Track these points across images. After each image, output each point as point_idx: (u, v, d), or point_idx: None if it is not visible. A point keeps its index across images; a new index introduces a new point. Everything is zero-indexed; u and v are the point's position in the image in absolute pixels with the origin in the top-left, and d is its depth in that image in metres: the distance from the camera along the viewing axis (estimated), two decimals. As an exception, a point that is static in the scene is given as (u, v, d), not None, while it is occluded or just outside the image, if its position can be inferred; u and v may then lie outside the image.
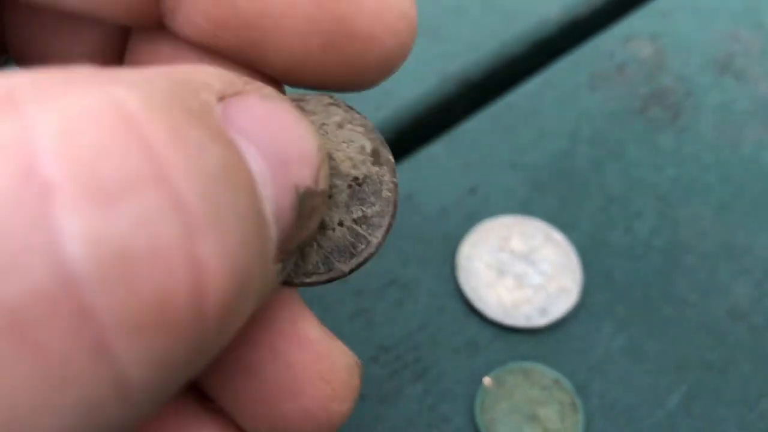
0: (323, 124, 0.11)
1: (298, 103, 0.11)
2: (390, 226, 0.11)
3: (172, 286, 0.07)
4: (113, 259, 0.06)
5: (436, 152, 0.24)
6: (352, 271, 0.11)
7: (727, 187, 0.24)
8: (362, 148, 0.11)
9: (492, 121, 0.25)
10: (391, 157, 0.11)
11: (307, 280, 0.11)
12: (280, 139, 0.09)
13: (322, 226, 0.10)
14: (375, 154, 0.11)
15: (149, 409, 0.07)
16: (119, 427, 0.07)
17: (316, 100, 0.11)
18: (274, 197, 0.08)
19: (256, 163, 0.08)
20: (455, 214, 0.22)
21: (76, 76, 0.07)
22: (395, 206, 0.11)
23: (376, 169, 0.11)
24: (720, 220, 0.23)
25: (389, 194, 0.11)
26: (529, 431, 0.19)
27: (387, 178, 0.11)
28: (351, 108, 0.11)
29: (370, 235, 0.11)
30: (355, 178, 0.11)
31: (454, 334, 0.20)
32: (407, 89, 0.25)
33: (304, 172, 0.09)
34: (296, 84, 0.11)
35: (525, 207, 0.23)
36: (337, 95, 0.11)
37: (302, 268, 0.11)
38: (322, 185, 0.09)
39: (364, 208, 0.11)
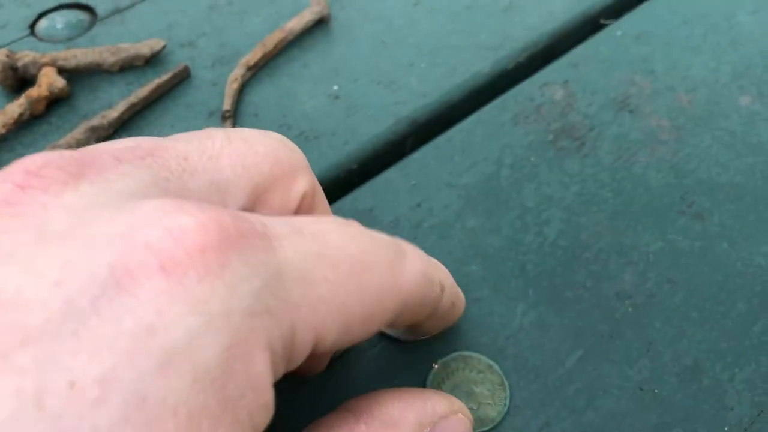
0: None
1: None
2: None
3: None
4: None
5: (391, 177, 0.30)
6: None
7: (619, 199, 0.30)
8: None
9: (435, 152, 0.31)
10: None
11: None
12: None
13: None
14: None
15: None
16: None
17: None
18: None
19: None
20: (405, 223, 0.29)
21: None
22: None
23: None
24: (612, 225, 0.29)
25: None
26: (466, 404, 0.25)
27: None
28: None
29: None
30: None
31: (403, 314, 0.27)
32: (368, 128, 0.32)
33: None
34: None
35: (459, 217, 0.29)
36: None
37: None
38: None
39: None
